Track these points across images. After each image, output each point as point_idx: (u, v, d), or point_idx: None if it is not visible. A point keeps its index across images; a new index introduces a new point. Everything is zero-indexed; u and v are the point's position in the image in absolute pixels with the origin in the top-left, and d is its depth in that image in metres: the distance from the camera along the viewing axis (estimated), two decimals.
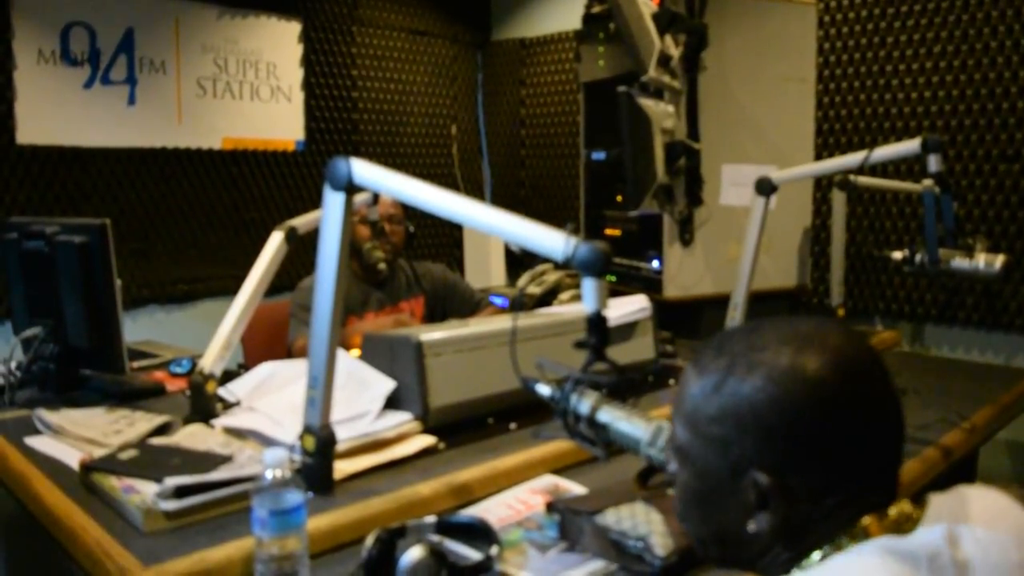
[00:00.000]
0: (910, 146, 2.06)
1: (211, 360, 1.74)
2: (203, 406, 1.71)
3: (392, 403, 1.64)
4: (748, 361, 0.77)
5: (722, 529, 0.80)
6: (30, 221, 2.05)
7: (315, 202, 1.46)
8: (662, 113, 2.35)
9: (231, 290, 1.89)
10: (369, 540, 1.11)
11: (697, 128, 2.58)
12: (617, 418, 1.07)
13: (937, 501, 0.77)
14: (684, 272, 2.70)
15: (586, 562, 1.19)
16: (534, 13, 4.67)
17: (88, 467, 1.39)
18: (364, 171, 1.32)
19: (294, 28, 4.08)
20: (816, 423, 0.73)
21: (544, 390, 1.16)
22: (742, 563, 0.82)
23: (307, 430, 1.36)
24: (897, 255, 2.26)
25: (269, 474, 1.06)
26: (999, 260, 2.02)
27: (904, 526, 0.74)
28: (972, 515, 0.73)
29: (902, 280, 3.21)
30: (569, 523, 1.24)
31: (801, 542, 0.76)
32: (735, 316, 2.19)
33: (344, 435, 1.45)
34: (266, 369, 1.86)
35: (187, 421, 1.68)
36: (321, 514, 1.27)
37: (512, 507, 1.38)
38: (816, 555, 0.75)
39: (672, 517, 1.19)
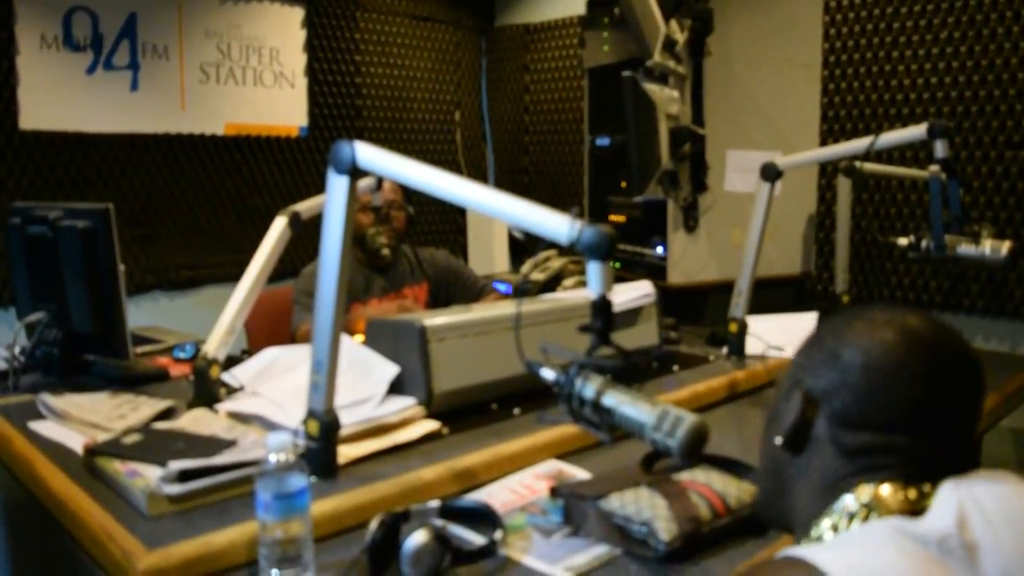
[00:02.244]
0: (916, 132, 2.05)
1: (215, 345, 1.74)
2: (207, 391, 1.71)
3: (396, 388, 1.64)
4: (857, 316, 0.84)
5: (766, 446, 0.89)
6: (33, 206, 2.04)
7: (319, 188, 1.45)
8: (667, 98, 2.34)
9: (234, 276, 1.89)
10: (373, 524, 1.11)
11: (702, 113, 2.57)
12: (622, 402, 1.06)
13: (948, 484, 0.77)
14: (688, 258, 2.69)
15: (590, 547, 1.19)
16: None
17: (92, 451, 1.39)
18: (368, 154, 1.31)
19: (297, 14, 4.06)
20: (871, 368, 0.79)
21: (549, 374, 1.16)
22: (781, 496, 0.87)
23: (311, 415, 1.36)
24: (903, 241, 2.24)
25: (273, 458, 1.06)
26: (1005, 246, 2.01)
27: (919, 506, 0.75)
28: (982, 496, 0.74)
29: (907, 267, 3.20)
30: (573, 508, 1.24)
31: (814, 473, 0.81)
32: (739, 303, 2.18)
33: (348, 420, 1.45)
34: (270, 354, 1.86)
35: (191, 406, 1.68)
36: (325, 498, 1.27)
37: (516, 492, 1.38)
38: (825, 523, 0.78)
39: (676, 502, 1.19)
